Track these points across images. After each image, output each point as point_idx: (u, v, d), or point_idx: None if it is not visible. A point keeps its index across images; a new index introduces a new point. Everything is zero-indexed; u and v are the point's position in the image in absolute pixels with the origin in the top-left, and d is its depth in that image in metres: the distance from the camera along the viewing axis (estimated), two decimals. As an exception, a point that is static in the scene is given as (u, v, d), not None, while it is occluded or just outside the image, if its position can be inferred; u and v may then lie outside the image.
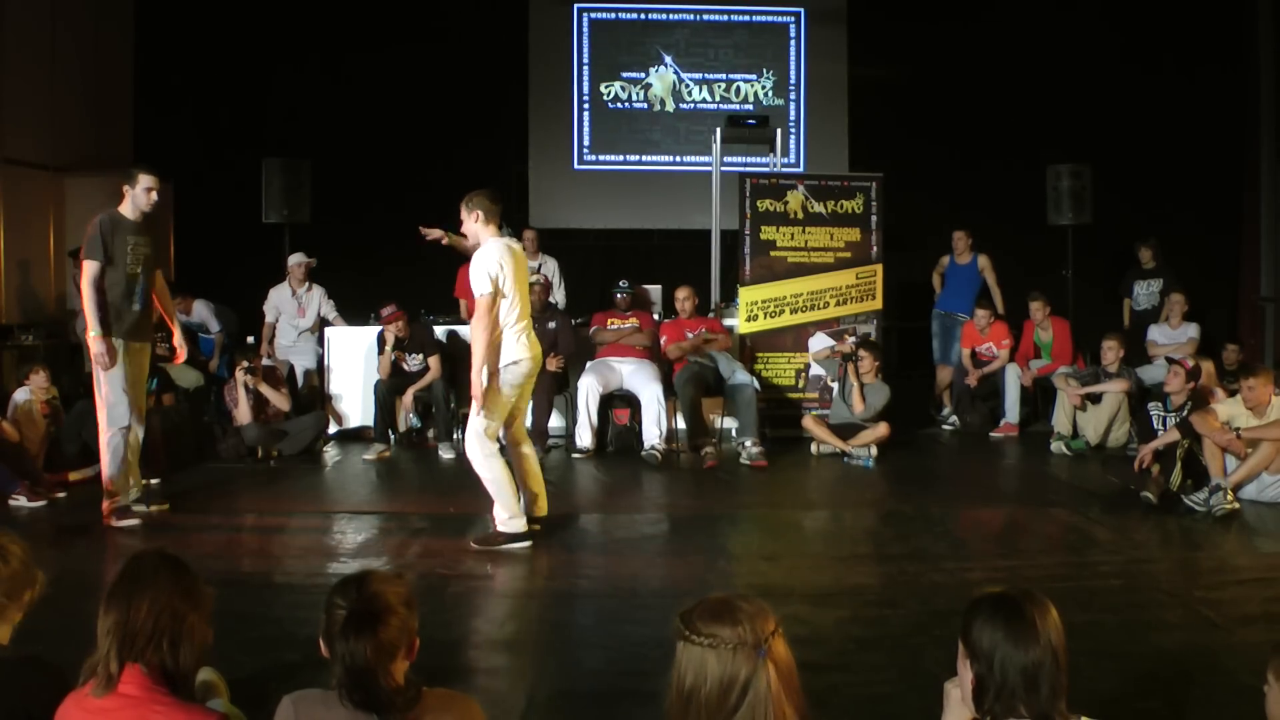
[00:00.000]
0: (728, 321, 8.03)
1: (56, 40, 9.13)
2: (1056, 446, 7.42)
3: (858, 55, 10.93)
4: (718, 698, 1.69)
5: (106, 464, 5.26)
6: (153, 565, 2.12)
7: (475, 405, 4.78)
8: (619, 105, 11.11)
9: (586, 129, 11.11)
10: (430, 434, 7.75)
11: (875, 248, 8.06)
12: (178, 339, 5.72)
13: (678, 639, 1.74)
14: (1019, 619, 1.86)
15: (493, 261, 4.72)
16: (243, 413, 7.14)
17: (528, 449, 5.13)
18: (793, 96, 11.15)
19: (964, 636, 1.92)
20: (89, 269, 5.14)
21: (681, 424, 7.39)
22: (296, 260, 8.23)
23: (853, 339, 7.70)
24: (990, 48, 10.46)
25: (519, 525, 4.84)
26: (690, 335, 7.58)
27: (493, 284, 4.69)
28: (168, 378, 7.33)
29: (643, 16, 11.11)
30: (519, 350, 4.82)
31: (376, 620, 1.93)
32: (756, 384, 7.31)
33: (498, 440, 4.93)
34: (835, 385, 7.51)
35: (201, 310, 8.77)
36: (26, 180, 8.71)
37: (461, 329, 7.72)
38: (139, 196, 5.22)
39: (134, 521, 5.21)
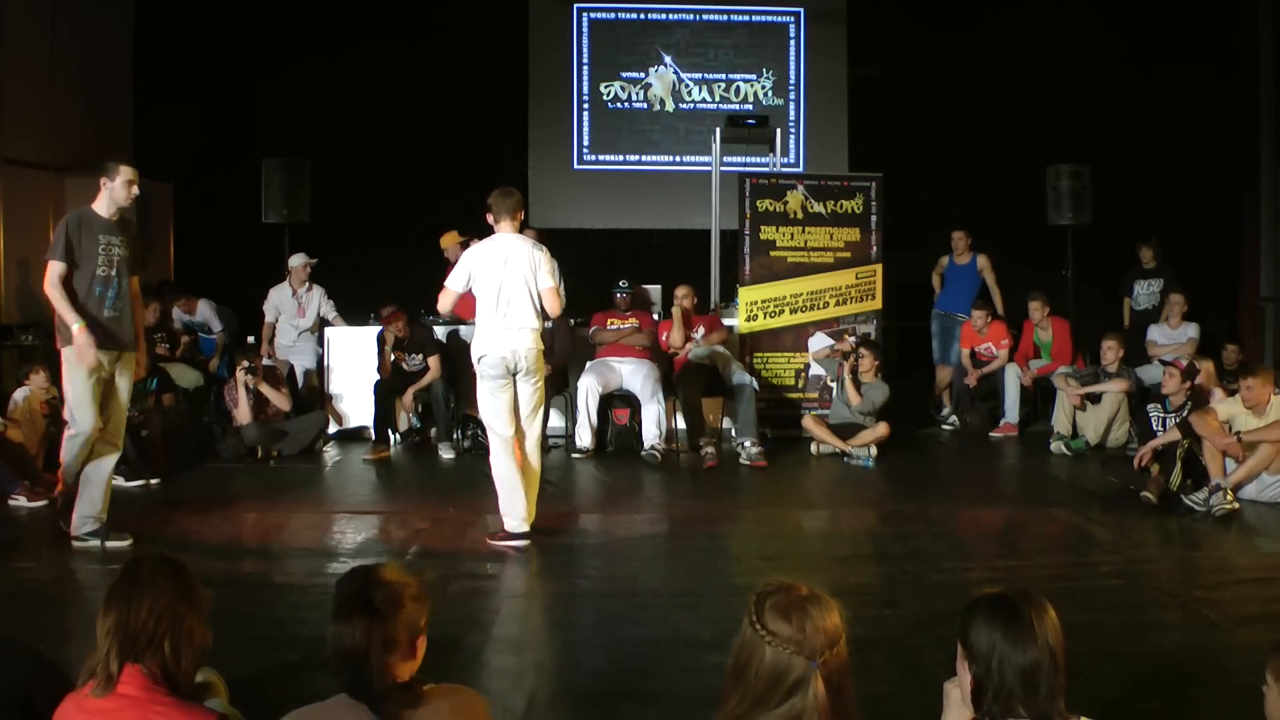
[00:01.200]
0: (728, 321, 8.03)
1: (56, 40, 9.11)
2: (1056, 446, 7.42)
3: (858, 55, 10.91)
4: (764, 688, 1.73)
5: (62, 457, 4.86)
6: (152, 567, 2.13)
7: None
8: (619, 105, 11.10)
9: (586, 129, 11.10)
10: (430, 434, 7.75)
11: (875, 248, 8.06)
12: (140, 354, 5.11)
13: (745, 616, 1.78)
14: (1016, 620, 1.86)
15: (458, 269, 5.00)
16: (243, 413, 7.14)
17: (523, 458, 4.98)
18: (792, 96, 11.14)
19: (962, 638, 1.92)
20: (52, 270, 4.66)
21: (681, 424, 7.39)
22: (300, 261, 8.21)
23: (853, 339, 7.70)
24: (990, 47, 10.45)
25: (515, 526, 4.83)
26: (696, 337, 7.57)
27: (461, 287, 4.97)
28: (168, 378, 7.33)
29: (642, 16, 11.10)
30: (484, 345, 4.87)
31: (373, 607, 1.94)
32: (755, 384, 7.32)
33: (510, 439, 4.90)
34: (835, 385, 7.51)
35: (205, 310, 8.77)
36: (26, 180, 8.69)
37: (461, 329, 7.72)
38: (118, 190, 4.80)
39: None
